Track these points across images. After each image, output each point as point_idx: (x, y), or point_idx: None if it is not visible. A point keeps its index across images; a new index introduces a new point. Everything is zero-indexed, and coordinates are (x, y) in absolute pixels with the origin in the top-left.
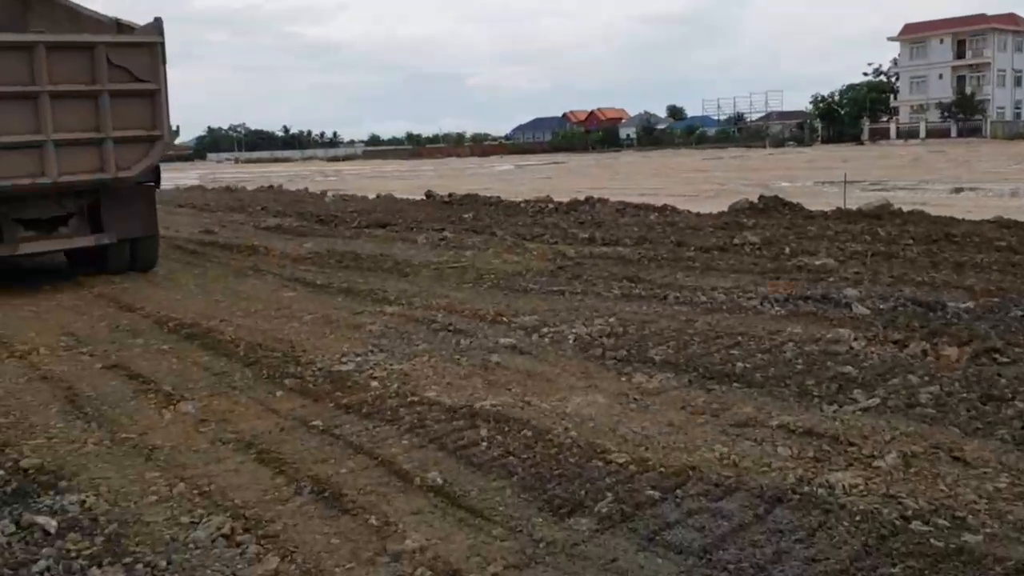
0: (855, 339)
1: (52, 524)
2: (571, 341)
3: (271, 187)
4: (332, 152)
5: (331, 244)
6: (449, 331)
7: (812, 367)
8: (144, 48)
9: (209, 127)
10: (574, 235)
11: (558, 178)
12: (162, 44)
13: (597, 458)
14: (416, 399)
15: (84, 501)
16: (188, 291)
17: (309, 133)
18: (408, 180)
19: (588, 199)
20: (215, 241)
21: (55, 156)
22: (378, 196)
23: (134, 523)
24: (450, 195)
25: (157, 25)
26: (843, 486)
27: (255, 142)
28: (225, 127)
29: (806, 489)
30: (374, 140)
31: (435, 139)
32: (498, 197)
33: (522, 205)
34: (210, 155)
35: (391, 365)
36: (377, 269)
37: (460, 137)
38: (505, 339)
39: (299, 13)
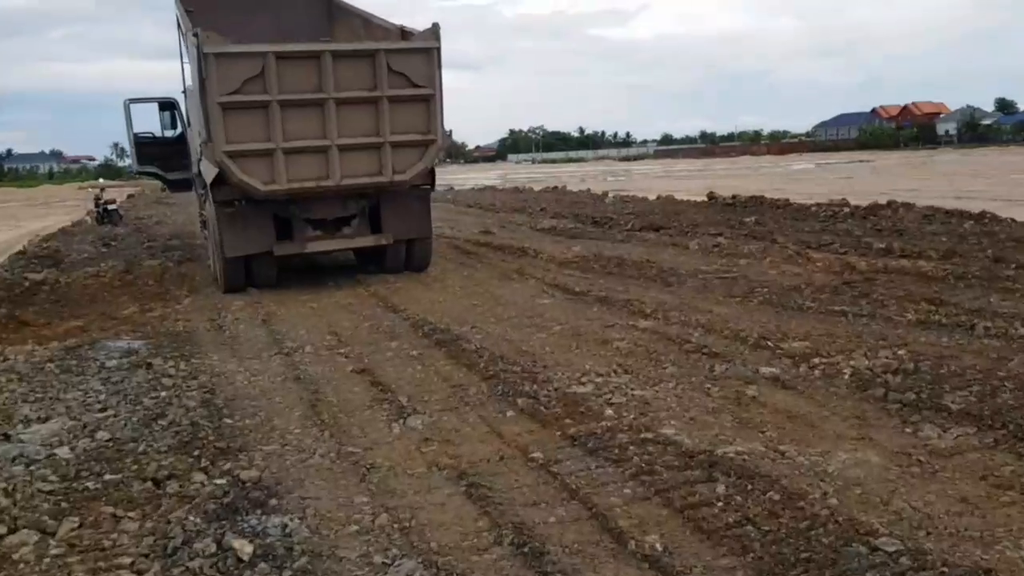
0: None
1: (247, 550)
2: (847, 376)
3: (555, 188)
4: (624, 152)
5: (599, 248)
6: (703, 354)
7: None
8: (421, 54)
9: (511, 130)
10: (868, 244)
11: (860, 178)
12: (438, 49)
13: (859, 541)
14: (650, 436)
15: (287, 525)
16: (452, 293)
17: (603, 133)
18: (695, 180)
19: (890, 203)
20: (490, 242)
21: (338, 160)
22: (658, 197)
23: (327, 557)
24: (734, 197)
25: (434, 31)
26: None
27: (552, 143)
28: (525, 129)
29: None
30: (667, 139)
31: (730, 137)
32: (787, 199)
33: (812, 208)
34: (511, 156)
35: (632, 390)
36: (640, 277)
37: (757, 135)
38: (767, 368)
39: (602, 16)
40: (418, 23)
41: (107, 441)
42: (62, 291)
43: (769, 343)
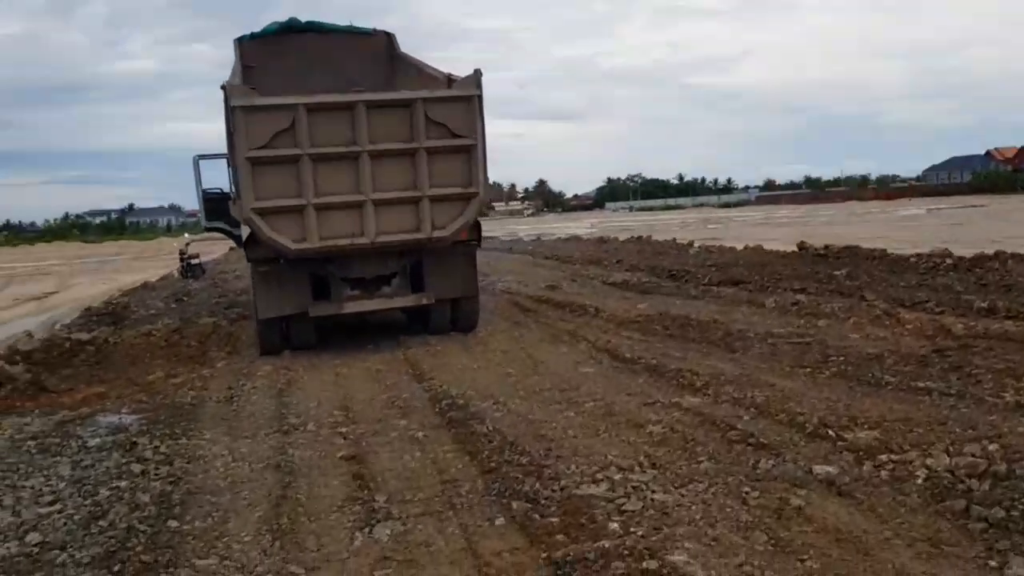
0: None
1: None
2: (920, 480)
3: (640, 238)
4: (724, 199)
5: (668, 305)
6: (749, 444)
7: None
8: (462, 102)
9: (608, 178)
10: (968, 303)
11: (970, 225)
12: (479, 97)
13: None
14: (654, 566)
15: None
16: (490, 359)
17: (703, 180)
18: (794, 228)
19: (999, 253)
20: (552, 299)
21: (373, 216)
22: (745, 247)
23: None
24: (826, 247)
25: (476, 78)
26: None
27: (650, 191)
28: (623, 177)
29: None
30: (769, 185)
31: (835, 182)
32: (883, 250)
33: (911, 260)
34: (608, 204)
35: (652, 493)
36: (703, 340)
37: (864, 180)
38: (822, 466)
39: (702, 64)
40: (514, 77)
41: (34, 546)
42: (107, 352)
43: (831, 431)
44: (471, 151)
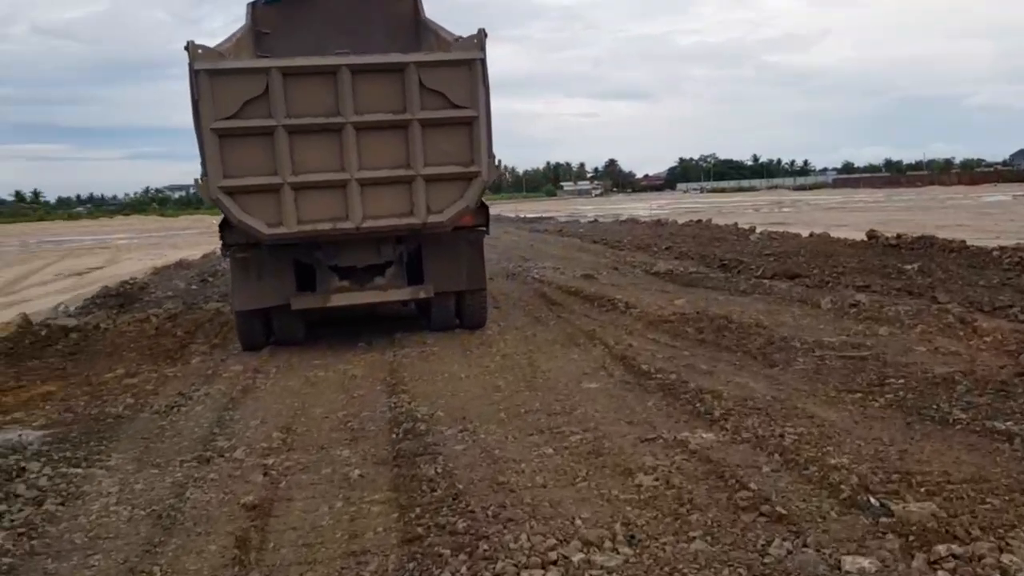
0: None
1: None
2: None
3: (699, 222)
4: (800, 181)
5: (709, 301)
6: (762, 515)
7: None
8: (462, 67)
9: (680, 158)
10: None
11: None
12: (482, 61)
13: None
14: None
15: None
16: (484, 367)
17: (779, 162)
18: (868, 213)
19: None
20: (583, 290)
21: (359, 198)
22: (811, 235)
23: None
24: (898, 237)
25: (478, 39)
26: None
27: (723, 171)
28: (696, 158)
29: None
30: (847, 168)
31: (917, 166)
32: (963, 242)
33: (995, 254)
34: (680, 185)
35: None
36: (738, 349)
37: (947, 164)
38: (855, 559)
39: (780, 42)
40: (587, 54)
41: None
42: (89, 341)
43: (873, 498)
44: (472, 124)
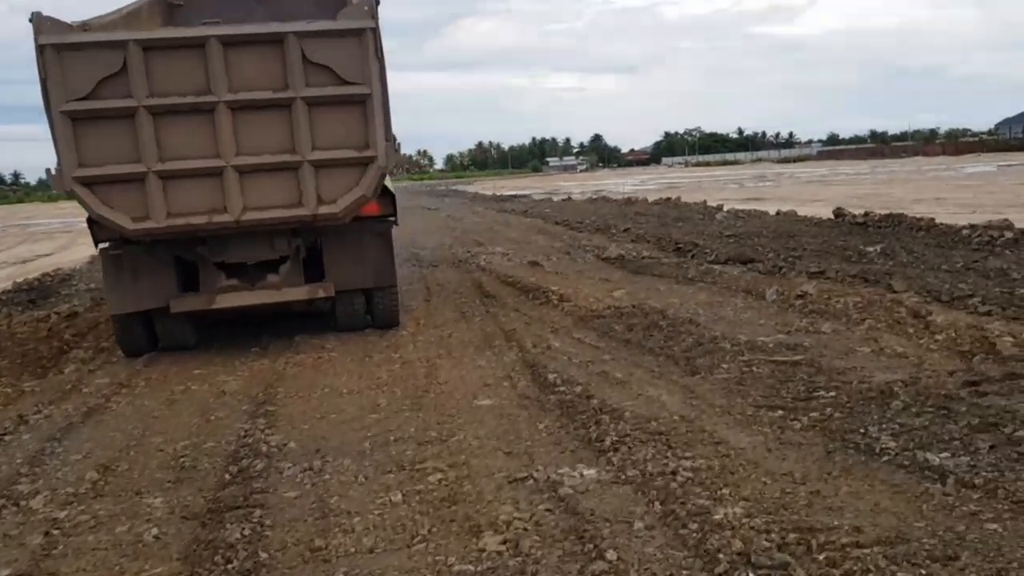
0: None
1: None
2: None
3: (668, 200)
4: (784, 153)
5: (649, 292)
6: None
7: None
8: (350, 38)
9: (665, 132)
10: None
11: None
12: (374, 30)
13: None
14: None
15: None
16: (375, 379)
17: (764, 135)
18: (847, 186)
19: None
20: (522, 280)
21: (238, 187)
22: (777, 213)
23: None
24: (865, 215)
25: (368, 5)
26: None
27: (709, 145)
28: (681, 131)
29: None
30: (832, 139)
31: (903, 136)
32: (931, 219)
33: (964, 232)
34: (664, 159)
35: None
36: (662, 352)
37: (932, 134)
38: None
39: (766, 14)
40: (572, 27)
41: None
42: None
43: (760, 568)
44: (366, 102)
